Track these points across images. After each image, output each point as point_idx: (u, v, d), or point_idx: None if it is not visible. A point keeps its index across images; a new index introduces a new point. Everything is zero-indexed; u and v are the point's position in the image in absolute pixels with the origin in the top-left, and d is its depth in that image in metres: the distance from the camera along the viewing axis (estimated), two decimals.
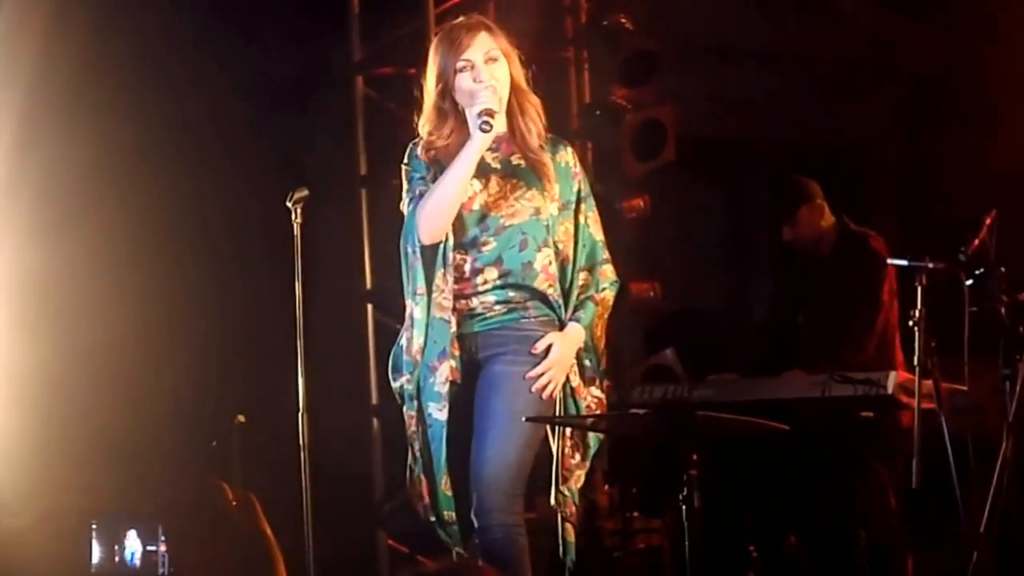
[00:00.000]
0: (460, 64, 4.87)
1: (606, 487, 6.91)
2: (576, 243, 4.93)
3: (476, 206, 4.86)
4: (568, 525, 4.94)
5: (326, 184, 5.59)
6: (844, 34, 7.97)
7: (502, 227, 4.84)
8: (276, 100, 7.48)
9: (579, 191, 4.96)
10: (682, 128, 7.56)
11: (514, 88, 4.92)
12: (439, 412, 4.83)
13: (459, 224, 4.85)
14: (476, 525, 4.76)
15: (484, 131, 4.76)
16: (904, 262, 5.93)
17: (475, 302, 4.85)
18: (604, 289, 4.95)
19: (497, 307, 4.85)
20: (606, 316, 4.97)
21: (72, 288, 6.89)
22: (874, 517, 6.29)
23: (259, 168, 7.04)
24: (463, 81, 4.86)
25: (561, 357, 4.84)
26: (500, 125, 4.86)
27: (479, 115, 4.76)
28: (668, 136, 7.53)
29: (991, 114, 7.21)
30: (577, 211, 4.94)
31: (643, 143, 7.54)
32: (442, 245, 4.84)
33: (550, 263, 4.87)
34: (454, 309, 4.84)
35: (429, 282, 4.84)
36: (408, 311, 4.92)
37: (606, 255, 4.98)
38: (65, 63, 6.88)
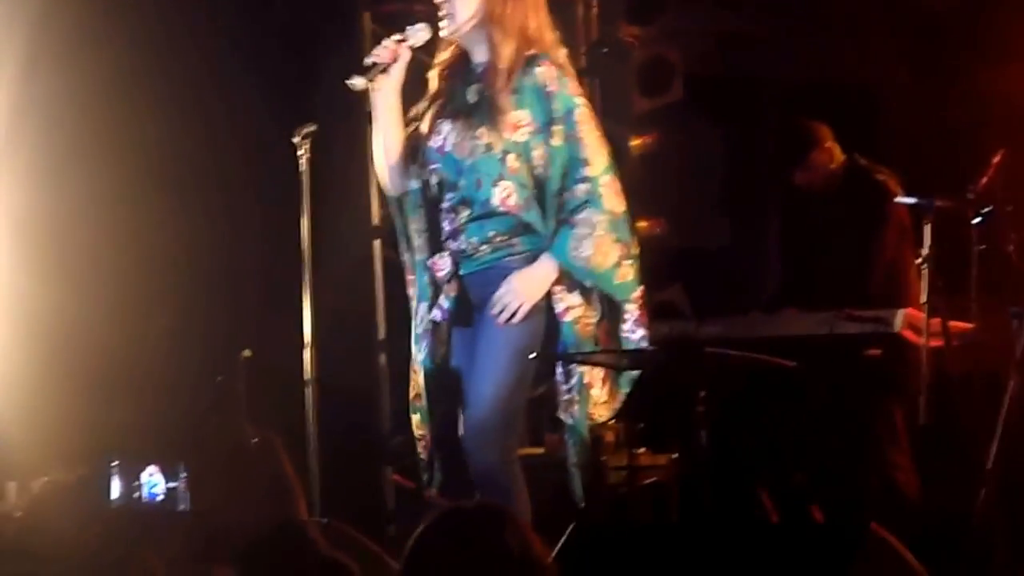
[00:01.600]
0: None
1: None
2: (551, 166, 4.72)
3: (448, 147, 4.80)
4: (574, 460, 4.83)
5: (333, 119, 5.59)
6: None
7: (464, 167, 4.75)
8: (283, 35, 7.44)
9: (555, 110, 4.71)
10: (689, 66, 7.53)
11: (486, 14, 4.76)
12: (418, 354, 4.89)
13: (440, 167, 4.81)
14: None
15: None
16: (912, 200, 5.93)
17: (461, 241, 4.79)
18: (575, 209, 4.67)
19: (483, 247, 4.76)
20: (597, 235, 4.67)
21: (79, 224, 6.89)
22: (885, 454, 6.30)
23: (266, 103, 7.01)
24: None
25: (516, 286, 4.67)
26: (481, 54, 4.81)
27: None
28: (675, 74, 7.50)
29: (1001, 52, 7.16)
30: (550, 133, 4.71)
31: (650, 81, 7.51)
32: (411, 192, 4.86)
33: (509, 195, 4.69)
34: (450, 251, 4.81)
35: (405, 227, 4.91)
36: None
37: (587, 171, 4.68)
38: None
